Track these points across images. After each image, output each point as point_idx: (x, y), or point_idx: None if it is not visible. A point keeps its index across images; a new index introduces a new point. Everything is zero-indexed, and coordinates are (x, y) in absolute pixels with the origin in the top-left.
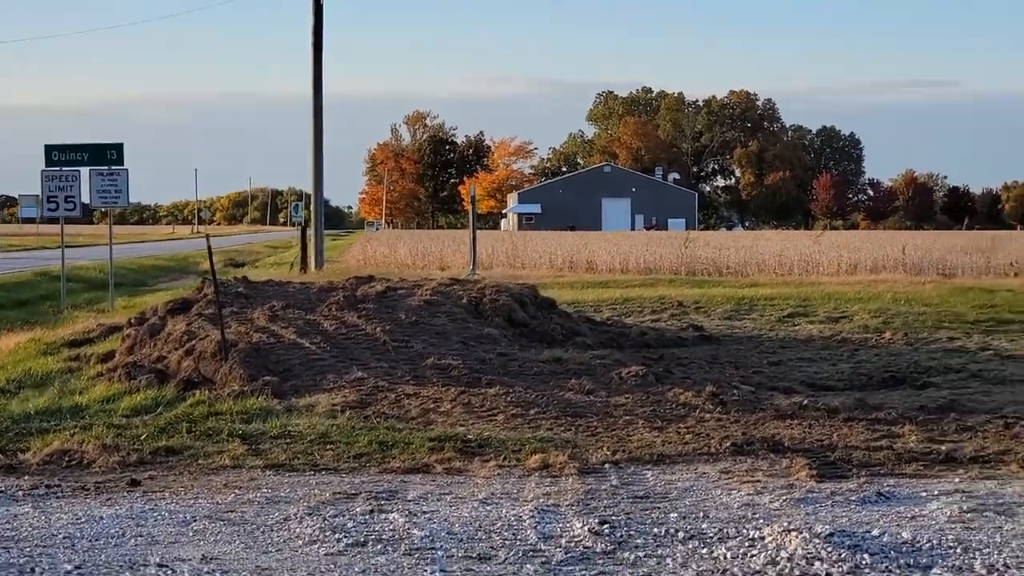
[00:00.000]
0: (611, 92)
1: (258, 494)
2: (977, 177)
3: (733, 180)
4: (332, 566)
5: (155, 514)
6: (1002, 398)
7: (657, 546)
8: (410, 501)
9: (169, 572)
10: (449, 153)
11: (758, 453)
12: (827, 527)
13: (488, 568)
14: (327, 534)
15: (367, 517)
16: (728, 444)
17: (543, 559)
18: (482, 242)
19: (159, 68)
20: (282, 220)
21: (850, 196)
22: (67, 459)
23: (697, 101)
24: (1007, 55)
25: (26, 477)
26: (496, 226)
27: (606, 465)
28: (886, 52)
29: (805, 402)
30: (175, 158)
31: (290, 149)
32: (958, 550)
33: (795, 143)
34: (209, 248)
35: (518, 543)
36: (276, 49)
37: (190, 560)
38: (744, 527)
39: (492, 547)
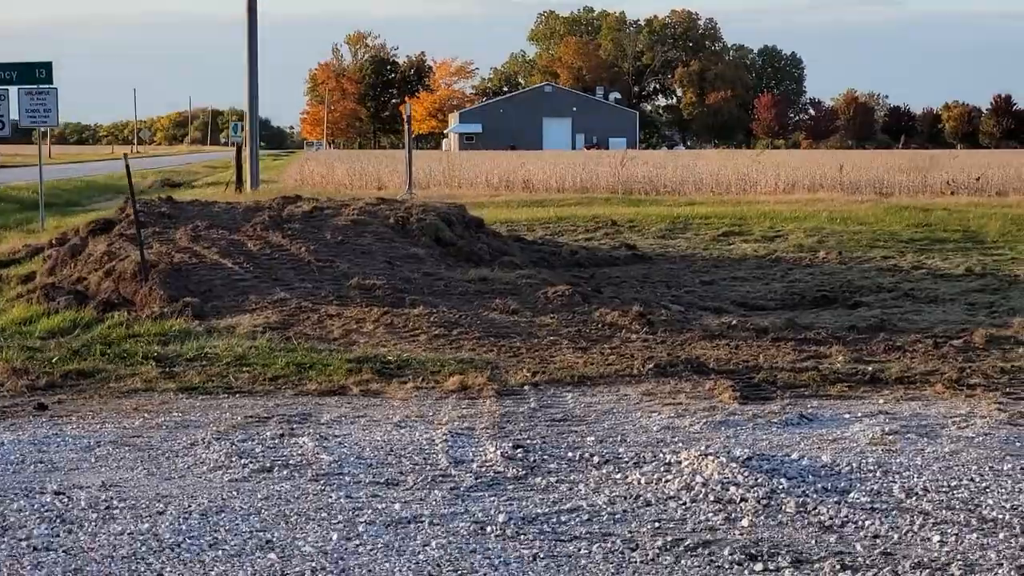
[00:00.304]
0: (552, 12)
1: (167, 418)
2: (918, 97)
3: (675, 100)
4: (235, 492)
5: (58, 439)
6: (933, 317)
7: (571, 471)
8: (323, 424)
9: (65, 499)
10: (391, 74)
11: (682, 375)
12: (746, 451)
13: (395, 493)
14: (233, 459)
15: (277, 441)
16: (652, 365)
17: (452, 484)
18: (419, 162)
19: None
20: (223, 140)
21: (791, 116)
22: None
23: (639, 21)
24: None
25: None
26: (438, 146)
27: (525, 387)
28: None
29: (734, 322)
30: (114, 78)
31: (231, 71)
32: (878, 473)
33: (737, 63)
34: (128, 167)
35: (428, 468)
36: None
37: (89, 487)
38: (661, 451)
39: (401, 472)
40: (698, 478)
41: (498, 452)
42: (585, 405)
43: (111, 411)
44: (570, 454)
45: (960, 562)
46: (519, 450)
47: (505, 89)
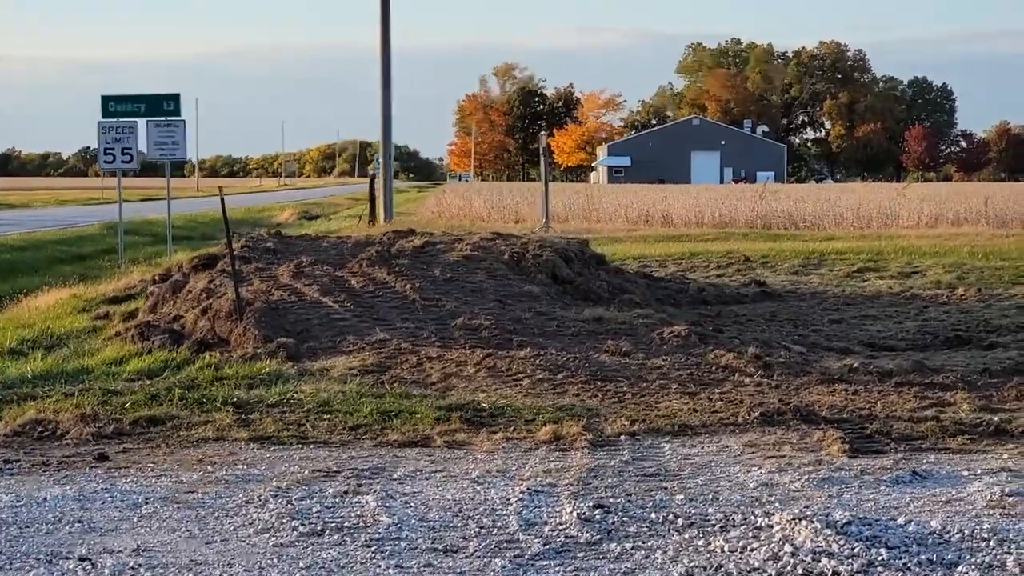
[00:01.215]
0: (700, 44)
1: (229, 471)
2: None
3: (823, 132)
4: (275, 560)
5: (106, 495)
6: None
7: (650, 535)
8: (394, 480)
9: (89, 567)
10: (538, 105)
11: (790, 424)
12: (847, 514)
13: (450, 563)
14: (284, 521)
15: (337, 500)
16: (758, 413)
17: (516, 552)
18: (560, 196)
19: (247, 23)
20: (370, 172)
21: (942, 148)
22: (39, 430)
23: (786, 52)
24: None
25: None
26: (586, 179)
27: (622, 437)
28: (979, 1)
29: (856, 365)
30: (265, 111)
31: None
32: (992, 543)
33: (886, 94)
34: (223, 203)
35: (495, 532)
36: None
37: (120, 552)
38: (753, 513)
39: (464, 537)
40: (787, 547)
41: (574, 514)
42: (682, 458)
43: (173, 463)
44: (653, 515)
45: None
46: (598, 510)
47: (653, 122)
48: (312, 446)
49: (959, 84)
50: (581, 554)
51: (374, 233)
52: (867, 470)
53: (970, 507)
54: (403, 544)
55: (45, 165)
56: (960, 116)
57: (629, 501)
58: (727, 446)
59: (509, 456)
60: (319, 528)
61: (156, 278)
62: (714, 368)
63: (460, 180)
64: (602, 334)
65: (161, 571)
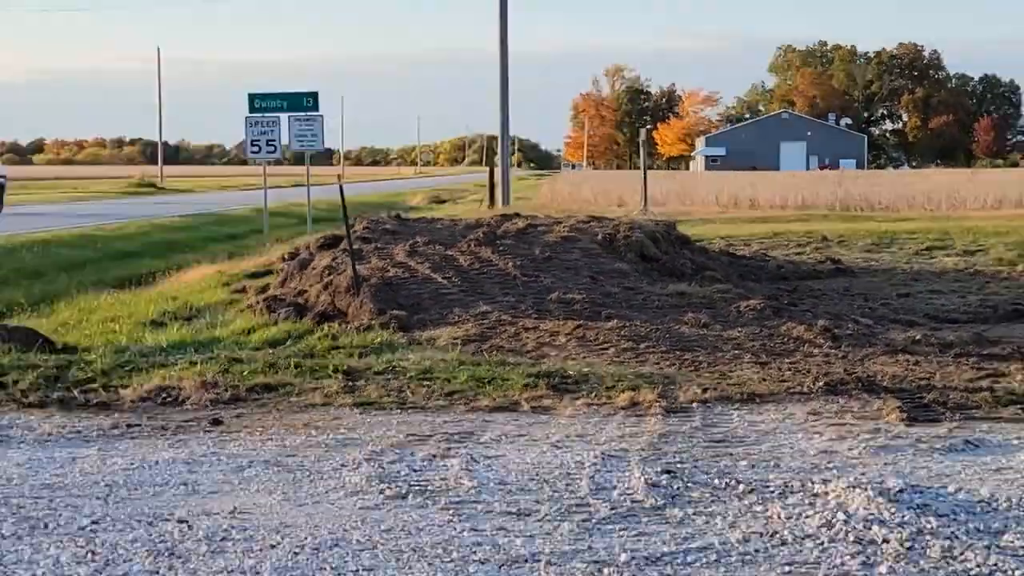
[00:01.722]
0: (790, 46)
1: (331, 436)
2: None
3: (900, 124)
4: (359, 523)
5: (214, 458)
6: None
7: (712, 501)
8: (480, 444)
9: (186, 529)
10: (644, 102)
11: (852, 393)
12: (899, 481)
13: (522, 526)
14: (373, 484)
15: (425, 464)
16: (823, 383)
17: (584, 516)
18: (657, 183)
19: (387, 29)
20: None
21: (1009, 137)
22: (163, 396)
23: (868, 53)
24: None
25: (116, 415)
26: (686, 167)
27: (694, 404)
28: None
29: (919, 336)
30: (404, 108)
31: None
32: None
33: (958, 89)
34: (342, 191)
35: (566, 496)
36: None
37: (217, 514)
38: (811, 479)
39: (538, 500)
40: (840, 514)
41: (642, 479)
42: (748, 424)
43: (280, 427)
44: (716, 481)
45: None
46: (665, 475)
47: (747, 116)
48: (410, 411)
49: None
50: (645, 519)
51: (484, 216)
52: (922, 438)
53: (1019, 475)
54: (480, 507)
55: (210, 155)
56: None
57: (696, 466)
58: (792, 414)
59: (588, 421)
60: (404, 492)
61: (286, 256)
62: (786, 339)
63: (573, 169)
64: (683, 307)
65: (251, 533)
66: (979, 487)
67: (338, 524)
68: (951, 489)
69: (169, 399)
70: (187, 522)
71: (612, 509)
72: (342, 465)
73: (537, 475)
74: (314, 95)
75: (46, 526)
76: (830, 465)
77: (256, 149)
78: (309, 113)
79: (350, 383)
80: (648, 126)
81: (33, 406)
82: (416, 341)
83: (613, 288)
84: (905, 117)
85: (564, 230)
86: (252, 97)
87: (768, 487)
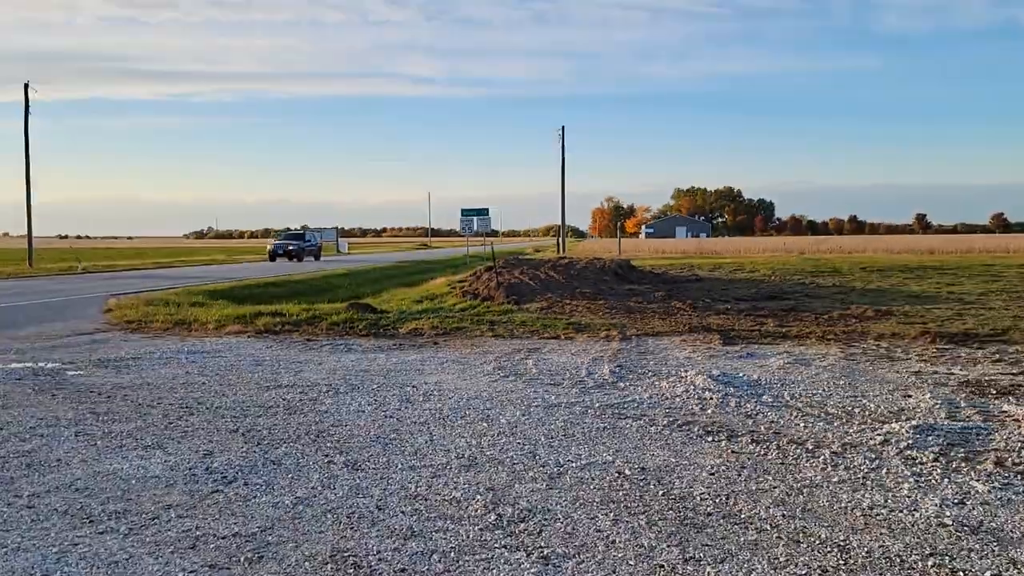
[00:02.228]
0: (679, 187)
1: (480, 350)
2: None
3: (723, 219)
4: (488, 389)
5: (432, 359)
6: (816, 304)
7: (637, 379)
8: (542, 353)
9: (413, 390)
10: (622, 211)
11: (699, 331)
12: (718, 371)
13: (556, 390)
14: (496, 370)
15: (516, 361)
16: (687, 327)
17: (582, 386)
18: (625, 243)
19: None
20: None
21: (770, 224)
22: (415, 332)
23: (708, 189)
24: None
25: (396, 340)
26: (638, 237)
27: (633, 336)
28: None
29: (728, 307)
30: (519, 213)
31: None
32: (779, 384)
33: (748, 204)
34: (492, 251)
35: (574, 376)
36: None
37: (427, 383)
38: (680, 370)
39: (563, 378)
40: (690, 387)
41: (607, 370)
42: (655, 345)
43: (463, 345)
44: (639, 370)
45: (813, 438)
46: (617, 368)
47: (661, 216)
48: (514, 339)
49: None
50: (608, 388)
51: (552, 257)
52: (729, 352)
53: (771, 368)
54: (538, 381)
55: (454, 233)
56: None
57: (631, 364)
58: (674, 340)
59: (587, 344)
60: (507, 374)
61: (471, 273)
62: (673, 309)
63: (592, 238)
64: (632, 295)
65: (443, 390)
66: (753, 374)
67: (479, 390)
68: (741, 375)
69: (419, 334)
70: (414, 386)
71: (594, 383)
72: (483, 362)
73: (564, 368)
74: (487, 209)
75: (357, 388)
76: (688, 363)
77: (467, 229)
78: (482, 215)
79: (491, 327)
80: (622, 221)
81: (362, 335)
82: (522, 309)
83: (603, 287)
84: (725, 216)
85: (583, 263)
86: (463, 210)
87: (660, 373)
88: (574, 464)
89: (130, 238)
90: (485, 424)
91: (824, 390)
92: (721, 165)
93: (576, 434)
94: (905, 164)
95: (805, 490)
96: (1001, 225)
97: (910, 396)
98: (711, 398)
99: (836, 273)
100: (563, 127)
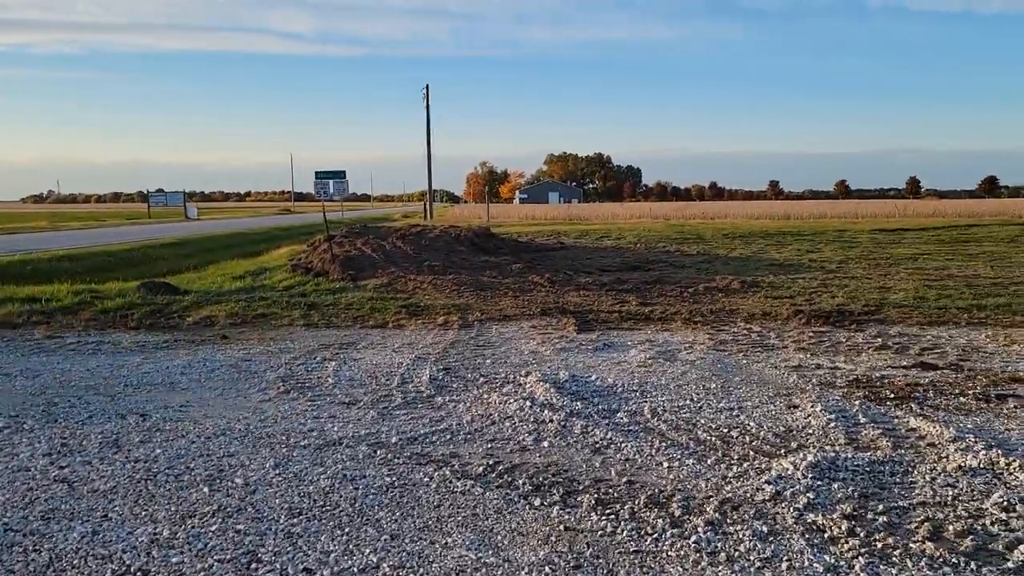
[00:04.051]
0: (552, 153)
1: (278, 346)
2: None
3: (594, 185)
4: (252, 413)
5: (203, 364)
6: (682, 275)
7: (463, 390)
8: (355, 349)
9: (138, 418)
10: (495, 176)
11: (554, 314)
12: (566, 373)
13: (345, 413)
14: (279, 380)
15: (315, 364)
16: (539, 309)
17: (385, 405)
18: (495, 209)
19: (360, 144)
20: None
21: (638, 190)
22: (206, 322)
23: (580, 155)
24: None
25: (172, 334)
26: (511, 203)
27: (474, 322)
28: None
29: (590, 280)
30: (397, 176)
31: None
32: (638, 393)
33: (616, 171)
34: (324, 214)
35: (382, 389)
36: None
37: (169, 407)
38: (520, 372)
39: (365, 392)
40: (528, 402)
41: (427, 375)
42: (499, 334)
43: (257, 340)
44: (470, 375)
45: (681, 494)
46: (443, 372)
47: (535, 181)
48: (329, 328)
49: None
50: (419, 405)
51: (404, 225)
52: (584, 343)
53: (629, 365)
54: (327, 400)
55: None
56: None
57: (462, 364)
58: (522, 327)
59: (418, 334)
60: (288, 389)
61: (309, 244)
62: (529, 284)
63: (465, 203)
64: (486, 268)
65: (190, 416)
66: (608, 376)
67: (239, 414)
68: (593, 378)
69: (210, 323)
70: (145, 414)
71: (404, 398)
72: (268, 368)
73: (373, 373)
74: (343, 172)
75: (53, 421)
76: (533, 360)
77: (320, 192)
78: (340, 180)
79: (306, 313)
80: (497, 186)
81: (132, 327)
82: (358, 287)
83: (455, 259)
84: (597, 182)
85: (437, 231)
86: (317, 173)
87: (495, 379)
88: None
89: None
90: (206, 490)
91: (693, 399)
92: (593, 131)
93: (340, 503)
94: (762, 132)
95: None
96: (843, 192)
97: (796, 406)
98: (551, 420)
99: (700, 240)
100: (427, 86)
